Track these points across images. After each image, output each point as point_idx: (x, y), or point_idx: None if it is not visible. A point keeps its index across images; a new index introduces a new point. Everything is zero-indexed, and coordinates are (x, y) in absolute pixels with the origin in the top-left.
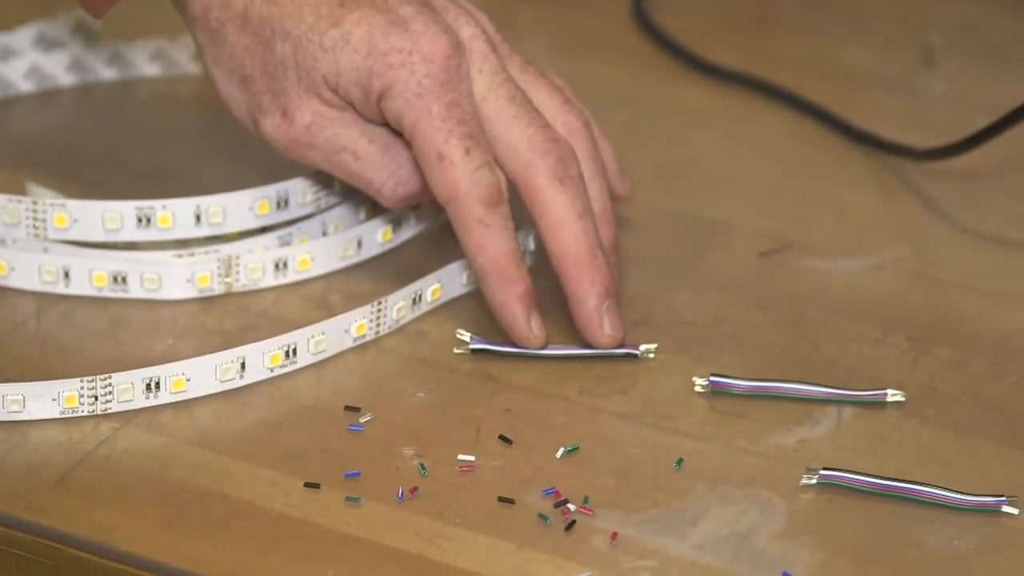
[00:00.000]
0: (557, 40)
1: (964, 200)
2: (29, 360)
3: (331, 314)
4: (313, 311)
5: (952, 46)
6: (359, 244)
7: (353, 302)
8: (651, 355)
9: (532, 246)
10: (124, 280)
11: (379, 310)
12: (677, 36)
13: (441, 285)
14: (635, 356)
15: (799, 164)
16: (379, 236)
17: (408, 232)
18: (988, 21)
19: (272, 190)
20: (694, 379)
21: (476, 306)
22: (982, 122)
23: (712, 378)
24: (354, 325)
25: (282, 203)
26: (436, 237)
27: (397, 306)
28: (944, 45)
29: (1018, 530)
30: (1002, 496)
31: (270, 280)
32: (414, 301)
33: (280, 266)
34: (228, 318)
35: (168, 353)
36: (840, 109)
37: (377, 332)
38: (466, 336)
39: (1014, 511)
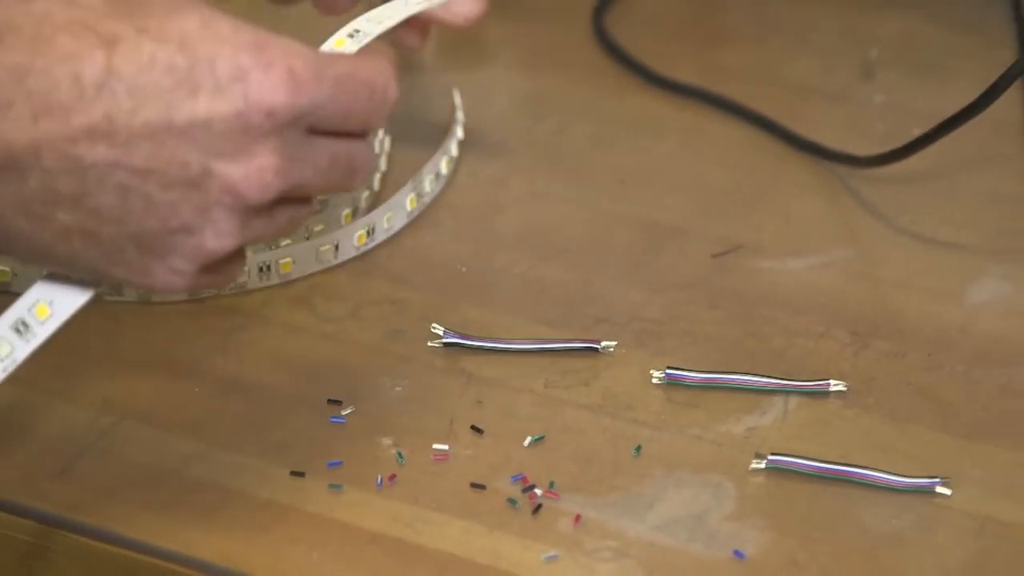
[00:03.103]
0: (524, 56)
1: (901, 204)
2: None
3: (314, 313)
4: (299, 310)
5: (890, 59)
6: (336, 247)
7: (334, 302)
8: (611, 350)
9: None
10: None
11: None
12: (635, 52)
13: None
14: (596, 351)
15: (748, 171)
16: (355, 240)
17: (381, 236)
18: (923, 36)
19: None
20: (651, 372)
21: (450, 305)
22: (918, 131)
23: (668, 371)
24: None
25: None
26: (407, 239)
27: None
28: (882, 58)
29: (950, 509)
30: (936, 478)
31: (255, 283)
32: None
33: (264, 269)
34: (219, 319)
35: (165, 352)
36: (786, 119)
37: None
38: (440, 330)
39: (947, 491)
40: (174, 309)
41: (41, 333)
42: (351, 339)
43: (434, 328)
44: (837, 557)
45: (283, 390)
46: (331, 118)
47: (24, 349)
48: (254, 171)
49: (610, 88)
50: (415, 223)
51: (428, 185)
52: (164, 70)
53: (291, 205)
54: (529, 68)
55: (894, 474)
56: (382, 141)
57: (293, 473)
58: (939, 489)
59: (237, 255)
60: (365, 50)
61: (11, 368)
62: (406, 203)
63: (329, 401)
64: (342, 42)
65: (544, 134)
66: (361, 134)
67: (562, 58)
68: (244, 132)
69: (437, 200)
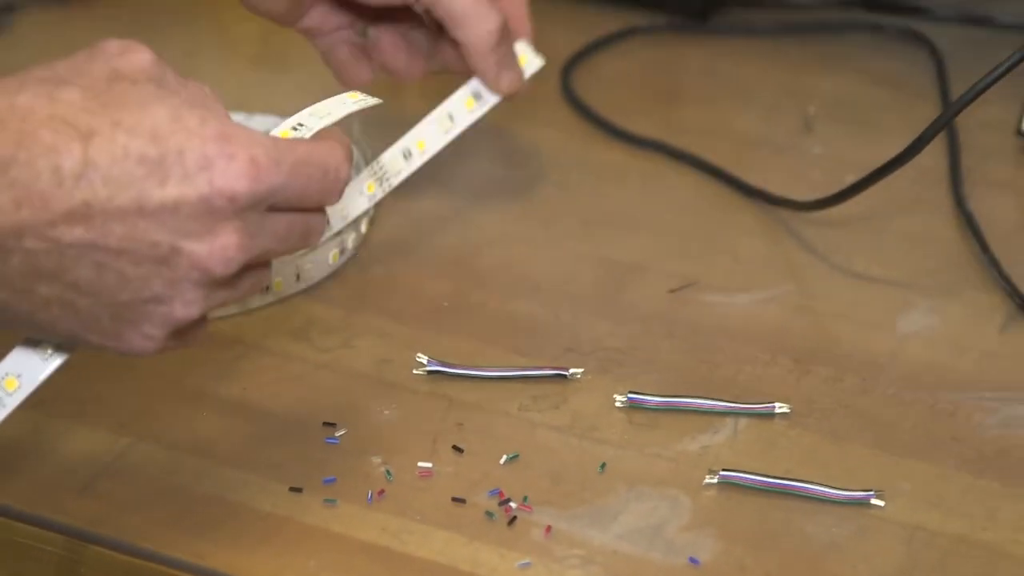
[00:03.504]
0: (501, 112)
1: (837, 244)
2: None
3: (311, 344)
4: (296, 342)
5: (826, 115)
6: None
7: (328, 334)
8: (578, 376)
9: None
10: None
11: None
12: (598, 108)
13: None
14: (565, 377)
15: (700, 215)
16: (329, 258)
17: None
18: (856, 94)
19: None
20: (615, 396)
21: (432, 337)
22: (851, 178)
23: (630, 395)
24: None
25: None
26: (394, 277)
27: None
28: (820, 114)
29: (884, 519)
30: (870, 491)
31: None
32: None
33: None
34: (224, 349)
35: (175, 379)
36: (734, 168)
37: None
38: (424, 359)
39: (880, 503)
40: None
41: (10, 404)
42: (344, 367)
43: (419, 357)
44: (782, 563)
45: (282, 413)
46: (289, 199)
47: None
48: (218, 249)
49: (576, 140)
50: (402, 262)
51: (351, 242)
52: (137, 161)
53: (253, 271)
54: (505, 122)
55: (833, 487)
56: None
57: (291, 489)
58: (873, 501)
59: (202, 319)
60: (322, 132)
61: None
62: (329, 258)
63: (324, 423)
64: (286, 133)
65: (517, 182)
66: (317, 209)
67: (534, 114)
68: (209, 215)
69: (421, 242)
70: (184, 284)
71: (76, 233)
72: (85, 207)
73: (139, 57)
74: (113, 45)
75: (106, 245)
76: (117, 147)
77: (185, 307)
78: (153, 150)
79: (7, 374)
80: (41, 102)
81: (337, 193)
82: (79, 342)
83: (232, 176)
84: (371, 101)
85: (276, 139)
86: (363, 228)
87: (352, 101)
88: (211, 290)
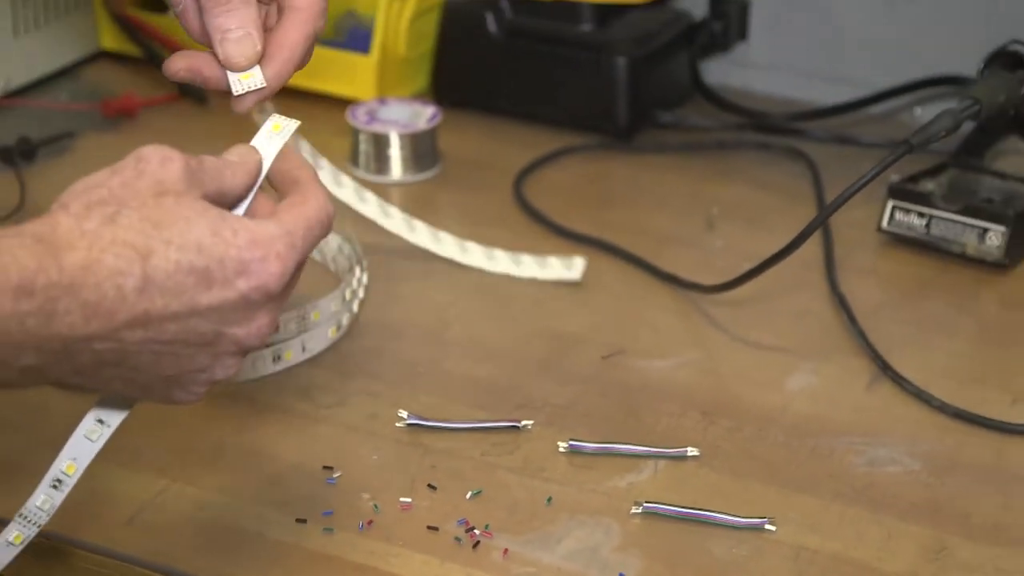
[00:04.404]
0: (463, 215)
1: (736, 319)
2: None
3: (313, 402)
4: (301, 400)
5: (726, 216)
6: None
7: (327, 394)
8: (529, 427)
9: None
10: None
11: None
12: (545, 211)
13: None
14: (518, 428)
15: (627, 296)
16: (328, 333)
17: (341, 333)
18: (750, 198)
19: None
20: (559, 443)
21: (411, 396)
22: (747, 267)
23: (571, 442)
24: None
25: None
26: (381, 348)
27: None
28: (721, 215)
29: (775, 541)
30: (764, 518)
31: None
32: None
33: (275, 358)
34: (243, 407)
35: (202, 432)
36: (653, 259)
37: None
38: (404, 414)
39: (772, 528)
40: (210, 400)
41: (70, 483)
42: (340, 421)
43: (400, 413)
44: None
45: (290, 459)
46: (305, 259)
47: (59, 499)
48: (255, 330)
49: (525, 236)
50: (386, 336)
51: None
52: (187, 272)
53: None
54: (467, 223)
55: (734, 516)
56: (360, 278)
57: (297, 520)
58: (767, 527)
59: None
60: (303, 173)
61: (45, 519)
62: (327, 333)
63: (323, 467)
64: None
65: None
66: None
67: (491, 216)
68: (247, 307)
69: (401, 319)
70: (225, 357)
71: (137, 335)
72: (145, 315)
73: (175, 167)
74: (154, 157)
75: (161, 339)
76: (170, 263)
77: (224, 371)
78: (200, 261)
79: (66, 460)
80: (105, 228)
81: (330, 228)
82: (135, 401)
83: (265, 275)
84: (292, 125)
85: (290, 226)
86: (355, 309)
87: (277, 133)
88: (245, 355)
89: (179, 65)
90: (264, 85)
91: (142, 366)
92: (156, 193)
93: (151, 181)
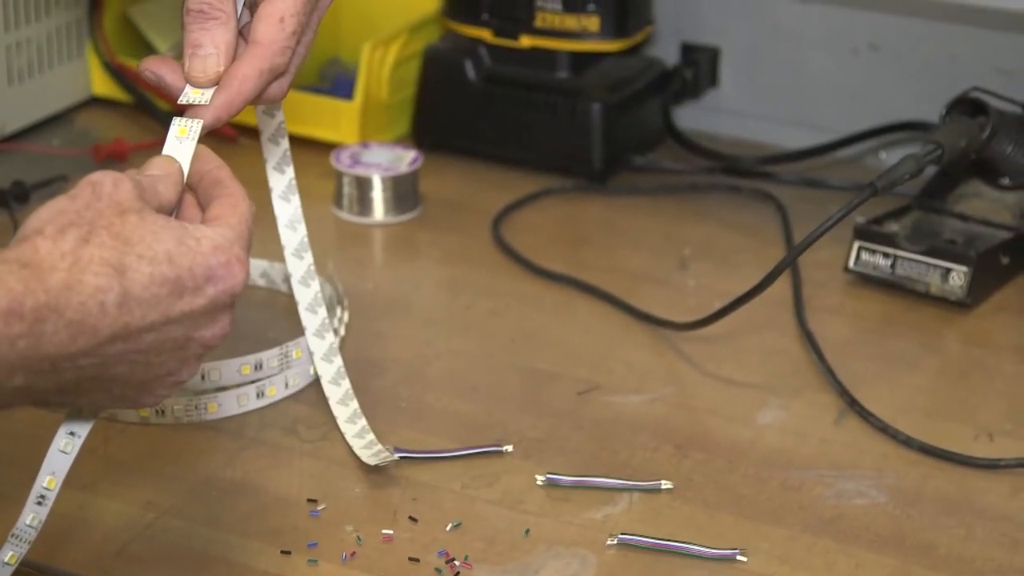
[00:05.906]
0: (444, 255)
1: (708, 355)
2: (92, 472)
3: (298, 436)
4: (287, 435)
5: (698, 256)
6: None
7: (312, 428)
8: (509, 451)
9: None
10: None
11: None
12: (521, 251)
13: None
14: (500, 452)
15: (602, 333)
16: (310, 370)
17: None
18: (721, 239)
19: (252, 358)
20: (536, 476)
21: (393, 429)
22: (718, 305)
23: (548, 475)
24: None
25: (258, 366)
26: (364, 384)
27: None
28: (693, 255)
29: (746, 571)
30: (736, 549)
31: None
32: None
33: (259, 394)
34: (229, 441)
35: (190, 465)
36: (627, 297)
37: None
38: (391, 449)
39: (744, 559)
40: (197, 435)
41: (52, 497)
42: (324, 455)
43: (385, 448)
44: None
45: (276, 491)
46: None
47: (44, 514)
48: (219, 330)
49: (504, 275)
50: (369, 372)
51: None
52: (160, 283)
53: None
54: (447, 263)
55: (706, 547)
56: (341, 316)
57: (282, 551)
58: (738, 557)
59: None
60: (223, 172)
61: (33, 535)
62: (310, 370)
63: (308, 499)
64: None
65: (458, 308)
66: None
67: (470, 256)
68: (215, 310)
69: (383, 356)
70: (192, 359)
71: (117, 348)
72: (125, 328)
73: (127, 187)
74: (106, 180)
75: (138, 349)
76: (144, 276)
77: (189, 372)
78: (171, 272)
79: (47, 475)
80: (82, 249)
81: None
82: (101, 411)
83: (231, 279)
84: (198, 125)
85: (232, 224)
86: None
87: (186, 137)
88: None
89: (148, 66)
90: (207, 103)
91: (118, 377)
92: (118, 212)
93: (110, 202)
